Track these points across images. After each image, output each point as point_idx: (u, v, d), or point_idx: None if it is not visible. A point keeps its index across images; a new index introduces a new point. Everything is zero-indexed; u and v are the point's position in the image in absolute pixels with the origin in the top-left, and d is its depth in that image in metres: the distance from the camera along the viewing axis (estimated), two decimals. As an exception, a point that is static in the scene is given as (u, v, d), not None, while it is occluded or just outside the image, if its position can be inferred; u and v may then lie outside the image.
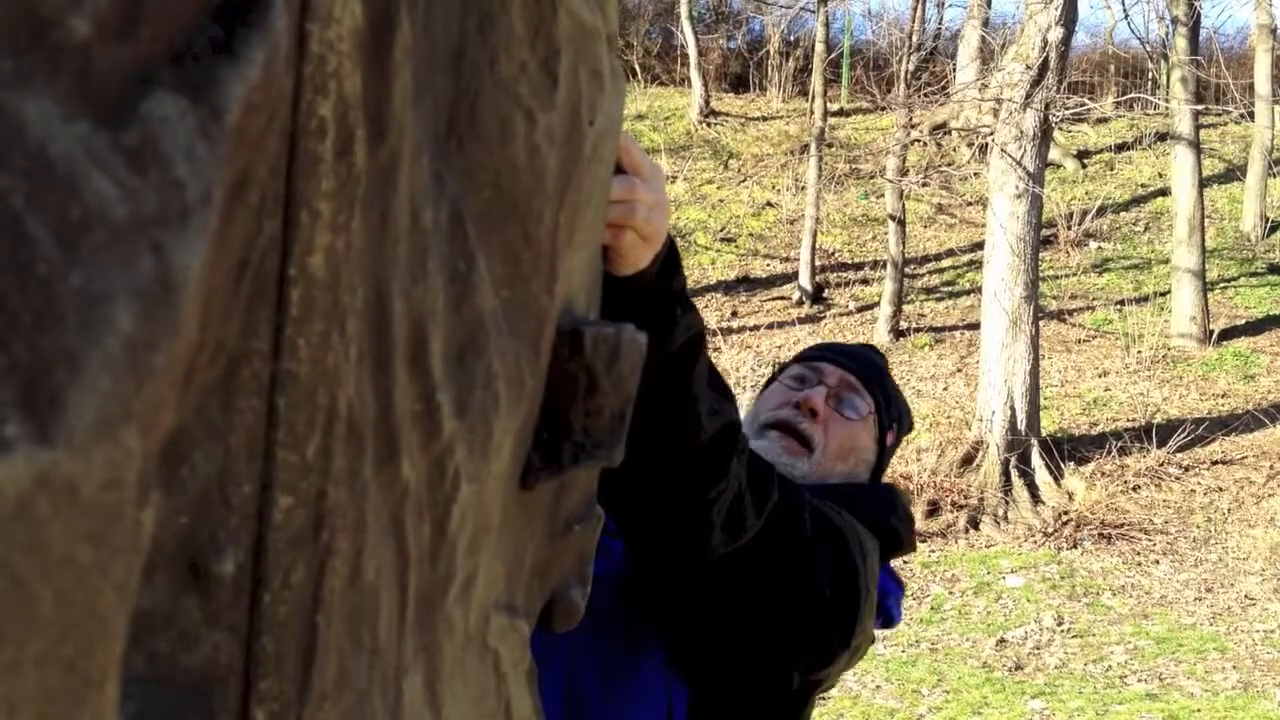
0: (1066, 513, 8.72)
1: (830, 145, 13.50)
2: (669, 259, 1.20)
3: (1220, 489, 9.28)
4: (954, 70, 14.52)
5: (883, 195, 12.28)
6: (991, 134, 9.56)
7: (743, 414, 1.57)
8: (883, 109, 14.19)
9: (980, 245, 10.72)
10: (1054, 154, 12.55)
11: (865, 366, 1.80)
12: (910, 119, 11.83)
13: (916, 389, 10.13)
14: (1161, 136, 14.25)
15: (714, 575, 1.36)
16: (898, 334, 11.08)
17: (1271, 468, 9.40)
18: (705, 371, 1.26)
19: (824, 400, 1.70)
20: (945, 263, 12.78)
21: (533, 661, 0.71)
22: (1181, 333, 11.31)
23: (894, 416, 1.80)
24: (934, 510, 8.71)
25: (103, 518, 0.32)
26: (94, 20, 0.32)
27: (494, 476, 0.59)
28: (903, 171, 11.47)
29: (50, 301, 0.30)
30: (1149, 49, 15.66)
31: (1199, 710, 5.87)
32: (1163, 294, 11.82)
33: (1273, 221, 13.38)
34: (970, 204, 13.29)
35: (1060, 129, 12.68)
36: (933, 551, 8.32)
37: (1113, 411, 10.24)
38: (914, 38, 12.70)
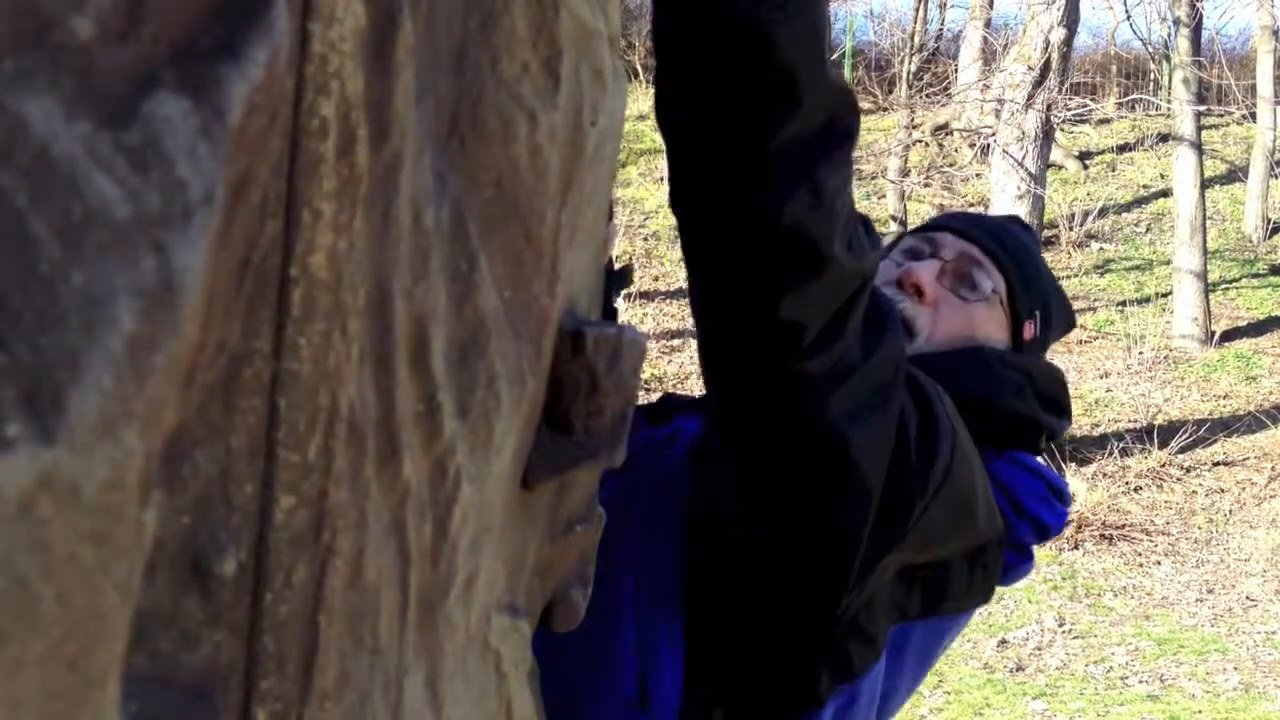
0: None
1: (832, 146, 13.46)
2: None
3: (1222, 490, 9.27)
4: (956, 71, 14.52)
5: (884, 196, 12.28)
6: (993, 135, 9.56)
7: None
8: (885, 109, 14.19)
9: (982, 246, 10.70)
10: (1056, 155, 12.56)
11: (998, 238, 1.37)
12: (912, 119, 11.83)
13: (918, 390, 10.12)
14: (1163, 137, 14.24)
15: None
16: (899, 335, 11.05)
17: (1273, 469, 9.39)
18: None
19: (935, 277, 1.33)
20: (947, 263, 12.75)
21: (534, 661, 0.71)
22: (1183, 334, 11.30)
23: (1035, 303, 1.37)
24: (935, 511, 8.70)
25: (105, 517, 0.32)
26: (96, 20, 0.32)
27: (495, 477, 0.59)
28: (904, 172, 11.47)
29: (52, 301, 0.30)
30: (1151, 50, 15.66)
31: (1200, 711, 5.86)
32: (1164, 295, 11.81)
33: (1274, 223, 13.37)
34: (972, 205, 13.27)
35: (1062, 130, 12.69)
36: (934, 552, 8.31)
37: (1114, 412, 10.23)
38: (916, 38, 12.71)
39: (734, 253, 1.01)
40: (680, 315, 9.91)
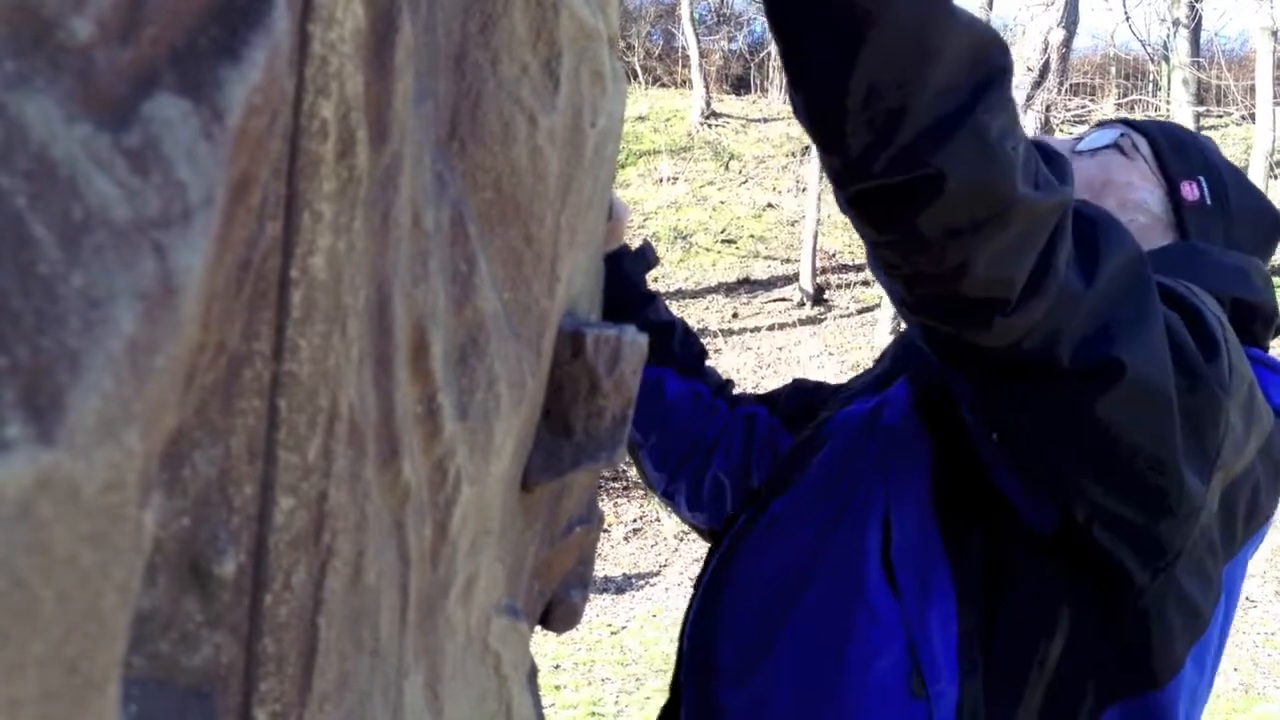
0: (1067, 515, 8.69)
1: (831, 147, 13.46)
2: None
3: (1221, 491, 9.27)
4: (955, 72, 14.50)
5: (884, 197, 12.25)
6: (993, 136, 9.55)
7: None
8: (884, 111, 14.15)
9: (981, 247, 10.71)
10: (1055, 156, 12.53)
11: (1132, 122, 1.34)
12: (911, 121, 11.80)
13: (917, 391, 10.11)
14: (1163, 138, 14.22)
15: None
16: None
17: (1273, 470, 9.39)
18: None
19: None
20: (946, 264, 12.75)
21: (534, 663, 0.71)
22: (1183, 335, 11.30)
23: (1194, 167, 1.30)
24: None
25: (104, 519, 0.32)
26: (96, 22, 0.32)
27: (495, 478, 0.59)
28: (904, 173, 11.44)
29: (52, 302, 0.30)
30: (1150, 51, 15.67)
31: (1200, 712, 5.86)
32: (1164, 296, 11.80)
33: (1274, 224, 13.36)
34: (971, 206, 13.26)
35: (1061, 130, 12.68)
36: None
37: (1114, 413, 10.22)
38: (915, 39, 12.67)
39: (917, 229, 0.92)
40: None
